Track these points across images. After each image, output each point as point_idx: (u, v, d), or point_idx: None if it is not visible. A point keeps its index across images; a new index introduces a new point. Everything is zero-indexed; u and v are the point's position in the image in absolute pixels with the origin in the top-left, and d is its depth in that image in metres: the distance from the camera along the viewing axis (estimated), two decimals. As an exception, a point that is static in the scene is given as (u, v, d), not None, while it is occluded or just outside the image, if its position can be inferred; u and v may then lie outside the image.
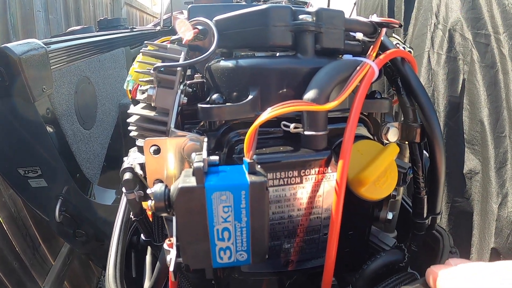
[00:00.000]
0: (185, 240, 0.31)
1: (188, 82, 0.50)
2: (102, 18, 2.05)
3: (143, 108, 0.46)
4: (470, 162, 1.11)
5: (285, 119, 0.37)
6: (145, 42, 0.46)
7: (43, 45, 1.10)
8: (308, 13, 0.40)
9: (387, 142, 0.49)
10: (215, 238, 0.30)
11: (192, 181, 0.28)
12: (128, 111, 0.45)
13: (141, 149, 0.54)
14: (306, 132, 0.36)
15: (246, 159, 0.30)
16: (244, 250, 0.31)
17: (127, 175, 0.51)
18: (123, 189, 0.52)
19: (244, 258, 0.31)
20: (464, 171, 1.13)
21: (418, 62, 1.23)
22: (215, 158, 0.31)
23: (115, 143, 1.66)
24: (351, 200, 0.39)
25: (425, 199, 0.49)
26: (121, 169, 0.51)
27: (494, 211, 1.01)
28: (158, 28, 2.48)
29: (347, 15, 0.45)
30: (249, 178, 0.29)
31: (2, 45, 0.96)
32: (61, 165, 1.18)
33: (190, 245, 0.31)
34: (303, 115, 0.36)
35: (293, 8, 0.40)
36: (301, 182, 0.38)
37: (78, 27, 1.83)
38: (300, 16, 0.39)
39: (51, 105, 1.17)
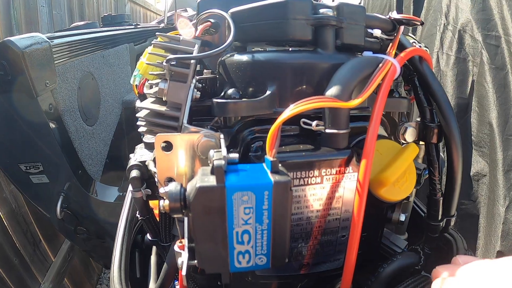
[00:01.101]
0: (202, 243, 0.29)
1: (197, 77, 0.49)
2: (106, 14, 2.03)
3: (152, 102, 0.44)
4: (478, 164, 1.10)
5: (304, 117, 0.36)
6: (156, 33, 0.44)
7: (47, 39, 1.08)
8: (329, 7, 0.39)
9: (404, 142, 0.47)
10: (234, 241, 0.28)
11: (211, 180, 0.27)
12: (137, 106, 0.43)
13: (148, 146, 0.52)
14: (327, 130, 0.34)
15: (269, 157, 0.29)
16: (264, 254, 0.29)
17: (134, 173, 0.49)
18: (130, 187, 0.51)
19: (263, 262, 0.30)
20: (471, 173, 1.12)
21: (427, 63, 1.21)
22: (234, 155, 0.29)
23: (118, 140, 1.64)
24: (366, 201, 0.37)
25: (441, 201, 0.48)
26: (128, 166, 0.50)
27: (501, 214, 1.00)
28: (162, 25, 2.47)
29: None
30: (273, 177, 0.27)
31: (5, 39, 0.94)
32: (63, 161, 1.17)
33: (206, 249, 0.29)
34: (325, 113, 0.35)
35: (313, 2, 0.38)
36: (322, 182, 0.36)
37: (82, 23, 1.82)
38: (321, 10, 0.38)
39: (54, 100, 1.15)
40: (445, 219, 0.49)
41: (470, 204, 1.15)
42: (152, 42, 0.43)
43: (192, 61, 0.39)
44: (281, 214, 0.28)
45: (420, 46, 0.68)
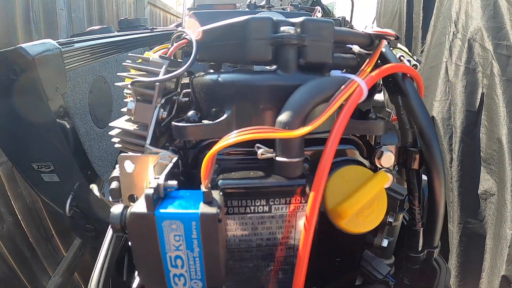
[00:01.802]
0: (140, 262, 0.30)
1: (184, 91, 0.50)
2: (122, 18, 2.09)
3: (126, 120, 0.46)
4: (486, 182, 1.04)
5: (260, 141, 0.35)
6: (129, 54, 0.45)
7: (58, 46, 1.13)
8: (292, 24, 0.37)
9: (380, 167, 0.45)
10: (168, 265, 0.29)
11: (143, 207, 0.27)
12: (110, 124, 0.45)
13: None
14: (278, 158, 0.33)
15: (202, 187, 0.29)
16: (198, 279, 0.29)
17: (114, 185, 0.51)
18: (110, 198, 0.53)
19: (199, 287, 0.30)
20: (479, 192, 1.06)
21: (435, 73, 1.16)
22: (173, 183, 0.29)
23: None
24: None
25: (421, 232, 0.45)
26: (110, 177, 0.51)
27: (507, 236, 0.95)
28: (180, 28, 2.50)
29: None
30: (201, 208, 0.27)
31: (18, 45, 0.99)
32: (73, 162, 1.22)
33: (145, 268, 0.30)
34: (276, 140, 0.34)
35: (275, 19, 0.37)
36: (270, 211, 0.35)
37: (97, 27, 1.88)
38: (282, 28, 0.36)
39: (64, 103, 1.20)
40: (426, 251, 0.47)
41: (477, 224, 1.09)
42: (123, 64, 0.44)
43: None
44: (211, 244, 0.28)
45: (409, 61, 0.64)
